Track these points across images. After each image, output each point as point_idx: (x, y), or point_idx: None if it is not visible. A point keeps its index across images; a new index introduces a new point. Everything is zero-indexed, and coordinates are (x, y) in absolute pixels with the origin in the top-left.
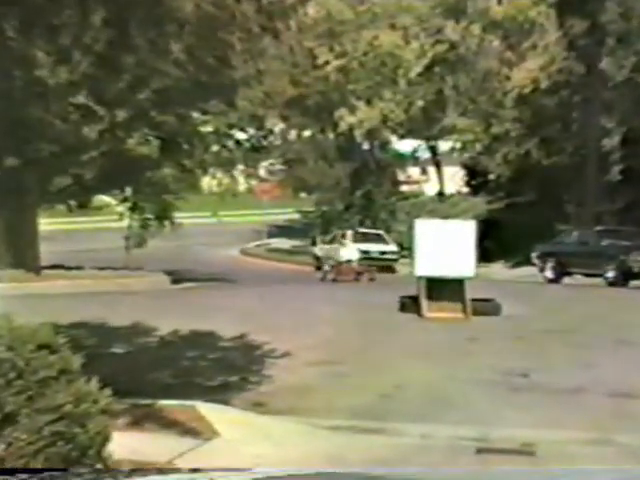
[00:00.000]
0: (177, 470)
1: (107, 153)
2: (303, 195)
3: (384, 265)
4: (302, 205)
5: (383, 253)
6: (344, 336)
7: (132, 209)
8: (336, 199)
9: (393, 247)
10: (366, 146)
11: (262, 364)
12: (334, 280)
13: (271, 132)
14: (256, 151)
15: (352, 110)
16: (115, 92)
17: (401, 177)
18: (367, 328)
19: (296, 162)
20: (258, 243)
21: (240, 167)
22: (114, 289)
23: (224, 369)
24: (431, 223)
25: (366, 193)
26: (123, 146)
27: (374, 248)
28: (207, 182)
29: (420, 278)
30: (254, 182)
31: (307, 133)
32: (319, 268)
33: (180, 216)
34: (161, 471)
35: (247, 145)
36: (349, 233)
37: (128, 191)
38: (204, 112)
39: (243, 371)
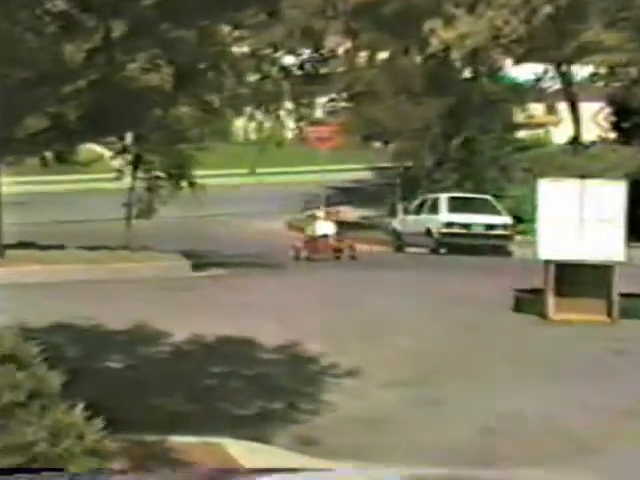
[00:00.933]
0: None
1: (99, 83)
2: (377, 145)
3: (493, 244)
4: (375, 159)
5: (490, 227)
6: (431, 346)
7: (135, 164)
8: (424, 150)
9: (506, 219)
10: (468, 73)
11: (318, 385)
12: (308, 259)
13: (332, 54)
14: (311, 82)
15: (449, 21)
16: None
17: (518, 118)
18: (463, 334)
19: (367, 97)
20: (312, 212)
21: (288, 105)
22: (110, 277)
23: (263, 392)
24: (562, 185)
25: (467, 141)
26: (121, 73)
27: (478, 220)
28: (241, 126)
29: (546, 263)
30: (308, 126)
31: (383, 55)
32: (400, 248)
33: (203, 174)
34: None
35: (298, 73)
36: (442, 198)
37: (129, 138)
38: (237, 25)
39: (290, 394)
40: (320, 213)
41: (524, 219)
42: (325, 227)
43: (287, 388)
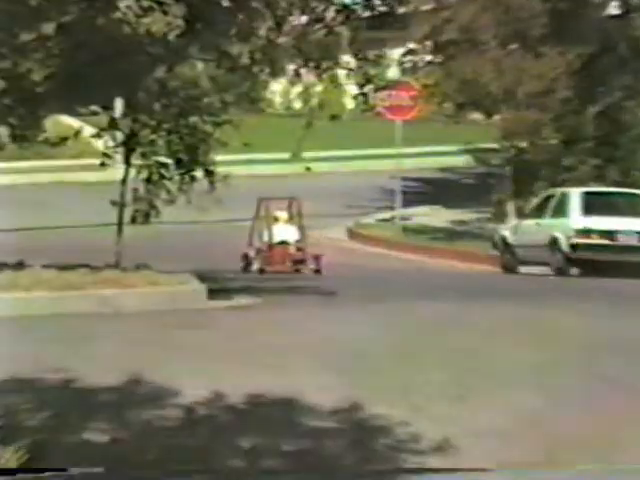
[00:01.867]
0: None
1: (75, 26)
2: (477, 117)
3: None
4: (474, 138)
5: None
6: (563, 415)
7: (128, 145)
8: (546, 124)
9: None
10: (613, 9)
11: (393, 464)
12: (261, 271)
13: None
14: (381, 25)
15: None
16: None
17: None
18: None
19: (463, 47)
20: (384, 216)
21: (348, 60)
22: (91, 309)
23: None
24: None
25: (610, 111)
26: (107, 14)
27: (626, 226)
28: (281, 91)
29: None
30: (377, 91)
31: None
32: (511, 267)
33: (226, 160)
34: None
35: (361, 12)
36: (574, 194)
37: (119, 108)
38: None
39: None
40: (281, 213)
41: None
42: (285, 232)
43: (349, 468)
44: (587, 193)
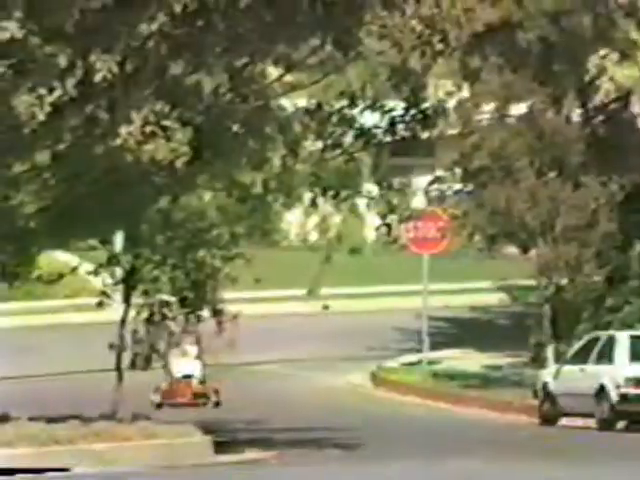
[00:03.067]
0: None
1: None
2: (510, 251)
3: None
4: (508, 274)
5: None
6: None
7: (128, 283)
8: (587, 260)
9: None
10: None
11: None
12: (158, 406)
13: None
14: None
15: (627, 52)
16: None
17: None
18: None
19: (495, 174)
20: (410, 359)
21: (370, 188)
22: (84, 464)
23: None
24: None
25: None
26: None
27: None
28: (296, 223)
29: None
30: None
31: (518, 109)
32: (551, 418)
33: (236, 298)
34: None
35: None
36: (622, 338)
37: (119, 242)
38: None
39: None
40: (188, 347)
41: None
42: (187, 366)
43: None
44: (635, 337)
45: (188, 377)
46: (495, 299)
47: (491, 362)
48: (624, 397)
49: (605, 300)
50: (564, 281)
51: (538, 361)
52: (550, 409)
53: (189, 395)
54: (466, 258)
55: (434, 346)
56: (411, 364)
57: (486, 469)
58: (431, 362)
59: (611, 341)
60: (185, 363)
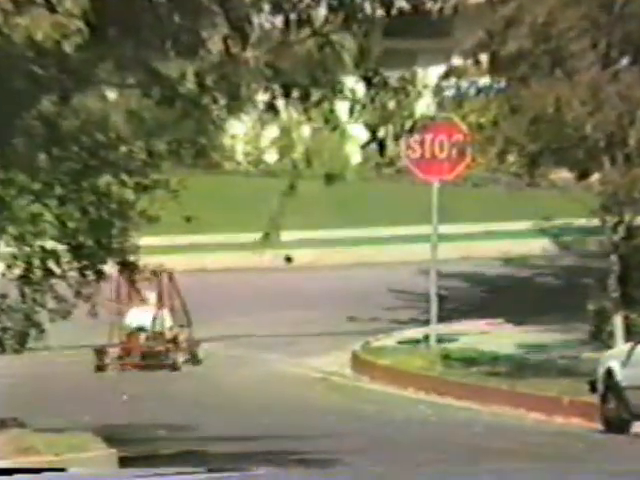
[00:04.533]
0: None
1: None
2: (560, 176)
3: None
4: (556, 211)
5: None
6: None
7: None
8: None
9: None
10: None
11: None
12: (99, 368)
13: None
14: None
15: None
16: None
17: None
18: None
19: (535, 65)
20: (410, 335)
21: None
22: None
23: None
24: None
25: None
26: None
27: None
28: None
29: None
30: (399, 136)
31: None
32: (619, 424)
33: (158, 246)
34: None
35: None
36: None
37: None
38: None
39: None
40: (147, 292)
41: None
42: (140, 316)
43: None
44: None
45: (141, 330)
46: (537, 247)
47: (530, 339)
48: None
49: None
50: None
51: (600, 339)
52: (617, 409)
53: (138, 353)
54: (495, 188)
55: (447, 316)
56: (412, 342)
57: None
58: (442, 339)
59: None
60: (138, 312)
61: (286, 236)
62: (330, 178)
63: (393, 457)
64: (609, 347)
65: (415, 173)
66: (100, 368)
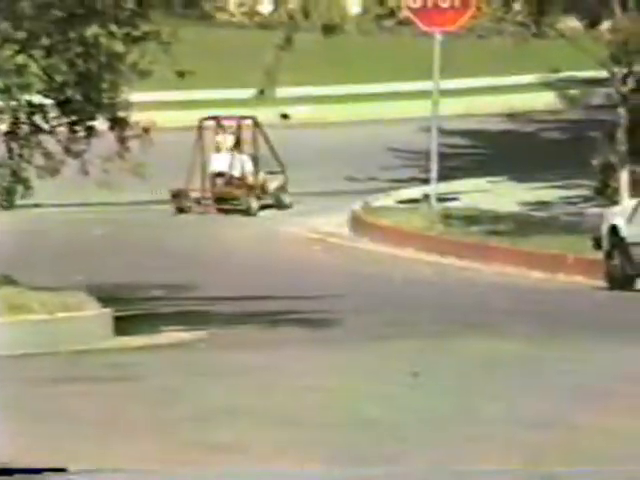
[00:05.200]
0: None
1: None
2: (569, 25)
3: None
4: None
5: None
6: None
7: None
8: None
9: None
10: None
11: None
12: (180, 210)
13: None
14: None
15: None
16: None
17: None
18: None
19: None
20: (411, 194)
21: None
22: None
23: None
24: None
25: None
26: None
27: None
28: None
29: None
30: None
31: None
32: (626, 281)
33: (149, 101)
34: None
35: None
36: None
37: None
38: None
39: None
40: (223, 138)
41: None
42: (221, 161)
43: None
44: None
45: (220, 175)
46: (542, 101)
47: (533, 197)
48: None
49: None
50: None
51: (606, 194)
52: (622, 266)
53: (214, 197)
54: (501, 38)
55: (448, 175)
56: (413, 201)
57: (526, 352)
58: (443, 198)
59: None
60: (219, 157)
61: (282, 92)
62: (328, 30)
63: (393, 317)
64: (614, 203)
65: (416, 24)
66: (180, 210)
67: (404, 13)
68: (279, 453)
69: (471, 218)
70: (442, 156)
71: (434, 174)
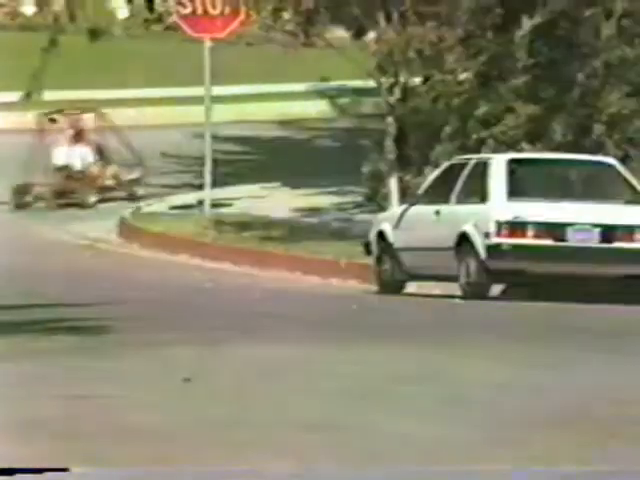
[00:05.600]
0: None
1: None
2: (338, 35)
3: (631, 277)
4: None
5: (620, 233)
6: None
7: None
8: (451, 47)
9: None
10: None
11: None
12: (18, 206)
13: None
14: None
15: None
16: None
17: None
18: None
19: None
20: (184, 200)
21: None
22: None
23: None
24: None
25: (558, 19)
26: None
27: (584, 217)
28: None
29: None
30: None
31: None
32: (395, 285)
33: None
34: None
35: None
36: (498, 162)
37: None
38: None
39: None
40: (62, 131)
41: None
42: (63, 154)
43: None
44: (518, 162)
45: (63, 169)
46: (313, 110)
47: (306, 203)
48: (497, 250)
49: (477, 108)
50: (417, 80)
51: (376, 201)
52: (392, 270)
53: (54, 192)
54: (272, 47)
55: (222, 181)
56: (185, 207)
57: (299, 356)
58: (217, 204)
59: (482, 168)
60: (61, 151)
61: (50, 95)
62: (95, 34)
63: (169, 323)
64: (384, 209)
65: (185, 30)
66: (19, 206)
67: (173, 19)
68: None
69: (245, 224)
70: (216, 162)
71: (208, 180)
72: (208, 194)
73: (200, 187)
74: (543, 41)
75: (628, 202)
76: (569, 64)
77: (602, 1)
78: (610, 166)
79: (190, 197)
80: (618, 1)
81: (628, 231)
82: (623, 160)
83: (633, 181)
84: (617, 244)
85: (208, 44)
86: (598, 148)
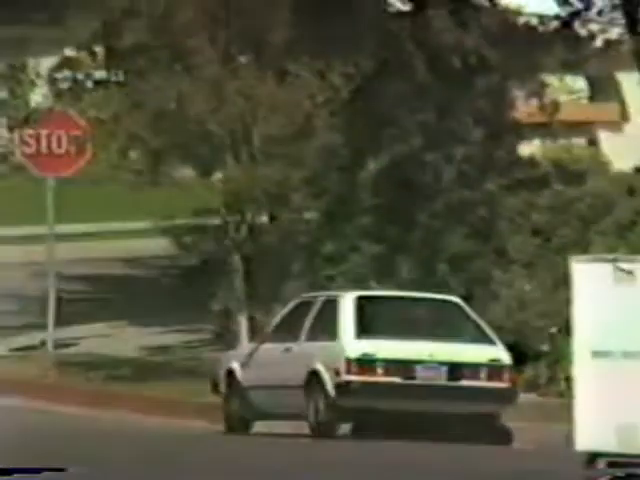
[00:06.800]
0: None
1: None
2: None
3: (472, 415)
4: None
5: (463, 372)
6: None
7: None
8: (297, 188)
9: (499, 351)
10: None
11: None
12: None
13: None
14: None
15: None
16: None
17: (524, 107)
18: None
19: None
20: (25, 341)
21: None
22: None
23: None
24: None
25: (400, 166)
26: None
27: (431, 354)
28: None
29: None
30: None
31: None
32: (239, 424)
33: None
34: None
35: None
36: (347, 300)
37: None
38: None
39: None
40: None
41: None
42: None
43: None
44: (365, 299)
45: None
46: (159, 247)
47: (153, 341)
48: (346, 387)
49: (323, 246)
50: (263, 218)
51: (225, 339)
52: (239, 409)
53: None
54: (116, 185)
55: (66, 320)
56: (27, 348)
57: None
58: (61, 344)
59: (330, 306)
60: None
61: None
62: None
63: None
64: (233, 347)
65: (31, 169)
66: None
67: (18, 158)
68: None
69: (90, 364)
70: (60, 301)
71: (51, 320)
72: (51, 334)
73: (43, 327)
74: (387, 183)
75: (473, 340)
76: (412, 205)
77: (443, 146)
78: (455, 304)
79: (32, 338)
80: (458, 147)
81: (474, 369)
82: (467, 298)
83: (477, 319)
84: (464, 382)
85: (51, 182)
86: (444, 286)
